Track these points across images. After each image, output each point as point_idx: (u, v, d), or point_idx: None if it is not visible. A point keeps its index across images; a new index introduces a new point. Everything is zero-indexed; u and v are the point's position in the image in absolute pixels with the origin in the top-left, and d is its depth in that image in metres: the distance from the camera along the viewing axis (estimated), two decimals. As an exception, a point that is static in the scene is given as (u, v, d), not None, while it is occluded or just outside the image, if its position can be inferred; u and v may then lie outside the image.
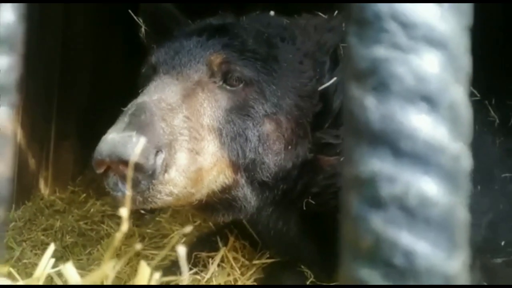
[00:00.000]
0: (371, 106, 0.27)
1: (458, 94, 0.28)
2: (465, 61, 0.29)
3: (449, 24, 0.28)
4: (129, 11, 1.38)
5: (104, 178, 0.95)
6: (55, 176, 2.30)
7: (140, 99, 1.02)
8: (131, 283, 1.19)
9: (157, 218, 1.85)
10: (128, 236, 1.68)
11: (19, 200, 2.02)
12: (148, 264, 0.56)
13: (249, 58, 1.12)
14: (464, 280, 0.27)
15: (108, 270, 0.47)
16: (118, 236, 0.48)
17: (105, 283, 0.55)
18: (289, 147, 1.14)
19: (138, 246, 0.51)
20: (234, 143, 1.07)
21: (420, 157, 0.27)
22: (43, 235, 1.76)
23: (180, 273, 0.91)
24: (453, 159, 0.27)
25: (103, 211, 2.02)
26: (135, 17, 1.38)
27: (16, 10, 0.31)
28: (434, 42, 0.27)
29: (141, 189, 0.92)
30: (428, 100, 0.27)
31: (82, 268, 1.38)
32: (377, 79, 0.27)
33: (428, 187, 0.27)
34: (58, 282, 0.81)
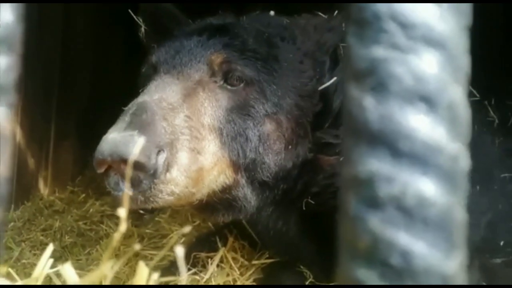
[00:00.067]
0: (370, 106, 0.27)
1: (457, 94, 0.28)
2: (464, 61, 0.29)
3: (448, 24, 0.28)
4: (129, 10, 1.38)
5: (105, 178, 0.95)
6: (55, 176, 2.30)
7: (141, 98, 1.02)
8: (129, 283, 1.19)
9: (156, 218, 1.85)
10: (127, 237, 1.68)
11: (18, 200, 2.02)
12: (147, 265, 0.56)
13: (250, 58, 1.12)
14: (461, 280, 0.27)
15: (106, 270, 0.47)
16: (117, 236, 0.47)
17: (103, 283, 0.55)
18: (290, 146, 1.14)
19: (137, 246, 0.51)
20: (235, 142, 1.07)
21: (418, 157, 0.27)
22: (42, 235, 1.76)
23: (179, 274, 0.91)
24: (451, 159, 0.27)
25: (103, 211, 2.01)
26: (134, 17, 1.38)
27: (14, 10, 0.31)
28: (433, 42, 0.27)
29: (142, 189, 0.92)
30: (426, 100, 0.27)
31: (81, 268, 1.38)
32: (375, 79, 0.27)
33: (426, 187, 0.27)
34: (57, 282, 0.81)
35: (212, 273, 1.29)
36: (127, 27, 1.61)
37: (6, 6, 0.30)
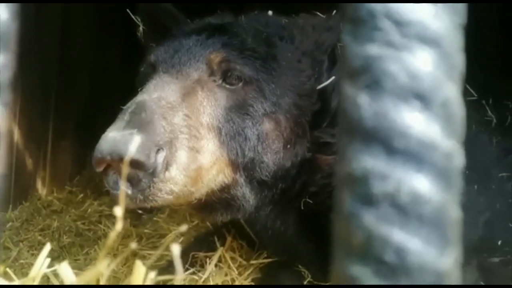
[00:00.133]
0: (364, 104, 0.27)
1: (451, 92, 0.28)
2: (459, 59, 0.29)
3: (443, 22, 0.28)
4: (127, 10, 1.38)
5: (104, 177, 0.95)
6: (53, 176, 2.30)
7: (140, 97, 1.02)
8: (126, 282, 1.19)
9: (155, 218, 1.85)
10: (126, 236, 1.68)
11: (16, 200, 2.01)
12: (144, 264, 0.56)
13: (249, 57, 1.12)
14: (456, 277, 0.28)
15: (102, 268, 0.47)
16: (113, 235, 0.47)
17: (100, 281, 0.54)
18: (288, 146, 1.15)
19: (134, 245, 0.51)
20: (234, 142, 1.07)
21: (412, 154, 0.27)
22: (40, 235, 1.76)
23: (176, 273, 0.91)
24: (445, 156, 0.27)
25: (101, 211, 2.01)
26: (133, 17, 1.38)
27: (9, 7, 0.31)
28: (428, 40, 0.28)
29: (141, 187, 0.92)
30: (421, 98, 0.27)
31: (79, 268, 1.37)
32: (370, 77, 0.27)
33: (420, 184, 0.27)
34: (55, 281, 0.81)
35: (210, 272, 1.29)
36: (126, 27, 1.61)
37: (0, 5, 0.30)
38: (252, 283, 1.28)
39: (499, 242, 1.29)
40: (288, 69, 1.17)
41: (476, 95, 1.37)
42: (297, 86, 1.16)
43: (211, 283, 1.25)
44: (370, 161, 0.27)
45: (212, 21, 1.25)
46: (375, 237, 0.26)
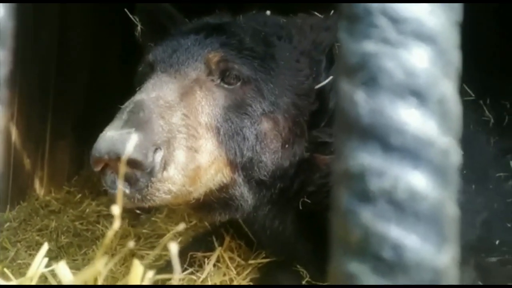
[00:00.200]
0: (361, 100, 0.27)
1: (448, 89, 0.28)
2: (455, 56, 0.29)
3: (439, 19, 0.28)
4: (125, 10, 1.38)
5: (101, 176, 0.95)
6: (51, 176, 2.29)
7: (138, 96, 1.02)
8: (124, 281, 1.19)
9: (153, 218, 1.85)
10: (124, 236, 1.67)
11: (14, 200, 2.00)
12: (142, 263, 0.56)
13: (247, 57, 1.12)
14: (453, 274, 0.28)
15: (100, 267, 0.47)
16: (110, 233, 0.47)
17: (98, 281, 0.54)
18: (286, 145, 1.15)
19: (131, 244, 0.51)
20: (232, 141, 1.07)
21: (409, 151, 0.27)
22: (38, 235, 1.75)
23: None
24: (442, 153, 0.27)
25: (99, 211, 2.01)
26: (131, 16, 1.38)
27: (6, 5, 0.31)
28: (424, 37, 0.28)
29: (139, 187, 0.92)
30: (417, 94, 0.27)
31: (77, 268, 1.37)
32: (366, 74, 0.28)
33: (417, 181, 0.27)
34: (52, 281, 0.81)
35: (208, 272, 1.28)
36: (124, 27, 1.61)
37: (-2, 2, 0.30)
38: (251, 283, 1.28)
39: (497, 242, 1.29)
40: (286, 68, 1.17)
41: (473, 95, 1.37)
42: (295, 85, 1.16)
43: (209, 283, 1.24)
44: (366, 158, 0.27)
45: (210, 21, 1.25)
46: (372, 234, 0.26)
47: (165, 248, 1.11)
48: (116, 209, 0.46)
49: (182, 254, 1.33)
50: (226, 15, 1.30)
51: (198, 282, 1.25)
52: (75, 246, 1.67)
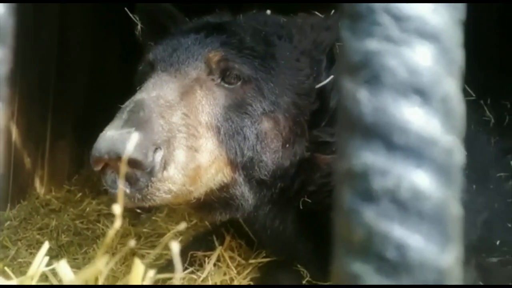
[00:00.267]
0: (364, 99, 0.27)
1: (451, 87, 0.28)
2: (458, 54, 0.29)
3: (442, 17, 0.28)
4: (125, 9, 1.38)
5: (102, 176, 0.95)
6: (51, 175, 2.29)
7: (138, 96, 1.02)
8: (125, 280, 1.19)
9: (153, 218, 1.85)
10: (124, 235, 1.67)
11: (14, 199, 2.01)
12: (143, 263, 0.56)
13: (247, 56, 1.12)
14: (457, 274, 0.27)
15: (101, 266, 0.47)
16: (111, 232, 0.47)
17: (99, 279, 0.54)
18: (287, 145, 1.14)
19: (132, 243, 0.51)
20: (232, 141, 1.06)
21: (412, 150, 0.27)
22: (38, 234, 1.75)
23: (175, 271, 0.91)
24: (445, 152, 0.27)
25: (99, 210, 2.01)
26: (131, 15, 1.38)
27: (6, 4, 0.31)
28: (427, 35, 0.27)
29: (139, 187, 0.92)
30: (420, 93, 0.27)
31: (78, 267, 1.37)
32: (369, 72, 0.27)
33: (420, 180, 0.27)
34: (53, 280, 0.81)
35: (209, 272, 1.28)
36: (123, 27, 1.60)
37: (-1, 1, 0.30)
38: (251, 283, 1.28)
39: (498, 242, 1.29)
40: (286, 68, 1.16)
41: (474, 95, 1.37)
42: (296, 85, 1.16)
43: (210, 282, 1.24)
44: (370, 157, 0.27)
45: (211, 20, 1.25)
46: (375, 233, 0.26)
47: (165, 247, 1.11)
48: (117, 209, 0.45)
49: (183, 253, 1.32)
50: (226, 14, 1.30)
51: (199, 281, 1.25)
52: (76, 245, 1.67)
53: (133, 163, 0.88)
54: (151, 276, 0.56)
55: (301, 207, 1.21)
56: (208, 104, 1.07)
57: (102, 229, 1.80)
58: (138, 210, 1.81)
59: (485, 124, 1.51)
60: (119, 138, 0.88)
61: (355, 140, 0.27)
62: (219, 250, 1.36)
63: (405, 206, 0.27)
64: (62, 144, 2.41)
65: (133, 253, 1.47)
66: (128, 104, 0.99)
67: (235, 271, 1.31)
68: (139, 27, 1.37)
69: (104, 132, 0.92)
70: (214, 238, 1.44)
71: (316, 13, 1.30)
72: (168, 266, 1.29)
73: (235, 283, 1.27)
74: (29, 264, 1.41)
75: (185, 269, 1.29)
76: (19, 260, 1.49)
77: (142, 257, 1.45)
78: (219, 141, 1.05)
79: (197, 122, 1.03)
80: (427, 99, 0.27)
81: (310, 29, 1.24)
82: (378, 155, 0.27)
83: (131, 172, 0.90)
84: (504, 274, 1.22)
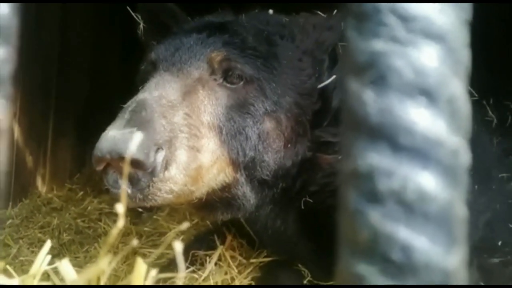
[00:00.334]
0: (370, 99, 0.27)
1: (457, 88, 0.28)
2: (464, 55, 0.29)
3: (448, 18, 0.27)
4: (128, 8, 1.38)
5: (103, 176, 0.95)
6: (53, 173, 2.29)
7: (141, 95, 1.02)
8: (127, 280, 1.19)
9: (155, 217, 1.85)
10: (126, 234, 1.68)
11: (16, 197, 2.01)
12: (145, 262, 0.56)
13: (250, 56, 1.12)
14: (462, 275, 0.27)
15: (104, 266, 0.47)
16: (114, 232, 0.47)
17: (101, 279, 0.54)
18: (289, 145, 1.14)
19: (135, 242, 0.51)
20: (234, 141, 1.06)
21: (418, 151, 0.27)
22: (40, 232, 1.76)
23: (177, 270, 0.91)
24: (451, 153, 0.27)
25: (101, 209, 2.01)
26: (133, 14, 1.38)
27: (10, 4, 0.30)
28: (433, 35, 0.27)
29: (141, 187, 0.91)
30: (426, 93, 0.27)
31: (80, 266, 1.37)
32: (375, 73, 0.27)
33: (426, 181, 0.27)
34: (55, 279, 0.81)
35: (210, 271, 1.28)
36: (125, 26, 1.61)
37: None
38: (252, 282, 1.28)
39: (499, 243, 1.29)
40: (289, 68, 1.16)
41: (477, 96, 1.37)
42: (298, 85, 1.16)
43: (211, 281, 1.24)
44: (375, 158, 0.27)
45: (213, 20, 1.25)
46: (381, 235, 0.26)
47: (168, 246, 1.11)
48: (120, 208, 0.45)
49: (184, 252, 1.32)
50: (228, 14, 1.29)
51: (200, 281, 1.25)
52: (77, 243, 1.67)
53: (135, 163, 0.88)
54: (153, 275, 0.56)
55: (302, 207, 1.21)
56: (210, 104, 1.07)
57: (104, 228, 1.80)
58: (140, 209, 1.81)
59: (488, 124, 1.51)
60: (121, 138, 0.88)
61: (360, 140, 0.27)
62: (220, 249, 1.36)
63: (411, 207, 0.26)
64: (64, 143, 2.41)
65: (134, 252, 1.47)
66: (130, 104, 0.99)
67: (236, 271, 1.31)
68: (141, 26, 1.37)
69: (106, 131, 0.92)
70: (216, 237, 1.44)
71: (319, 12, 1.29)
72: (169, 265, 1.29)
73: (236, 282, 1.27)
74: (31, 262, 1.41)
75: (186, 268, 1.29)
76: (21, 258, 1.49)
77: (143, 256, 1.45)
78: (221, 141, 1.05)
79: (199, 122, 1.03)
80: (433, 100, 0.27)
81: (312, 29, 1.24)
82: (384, 156, 0.27)
83: (132, 172, 0.90)
84: (506, 275, 1.21)
